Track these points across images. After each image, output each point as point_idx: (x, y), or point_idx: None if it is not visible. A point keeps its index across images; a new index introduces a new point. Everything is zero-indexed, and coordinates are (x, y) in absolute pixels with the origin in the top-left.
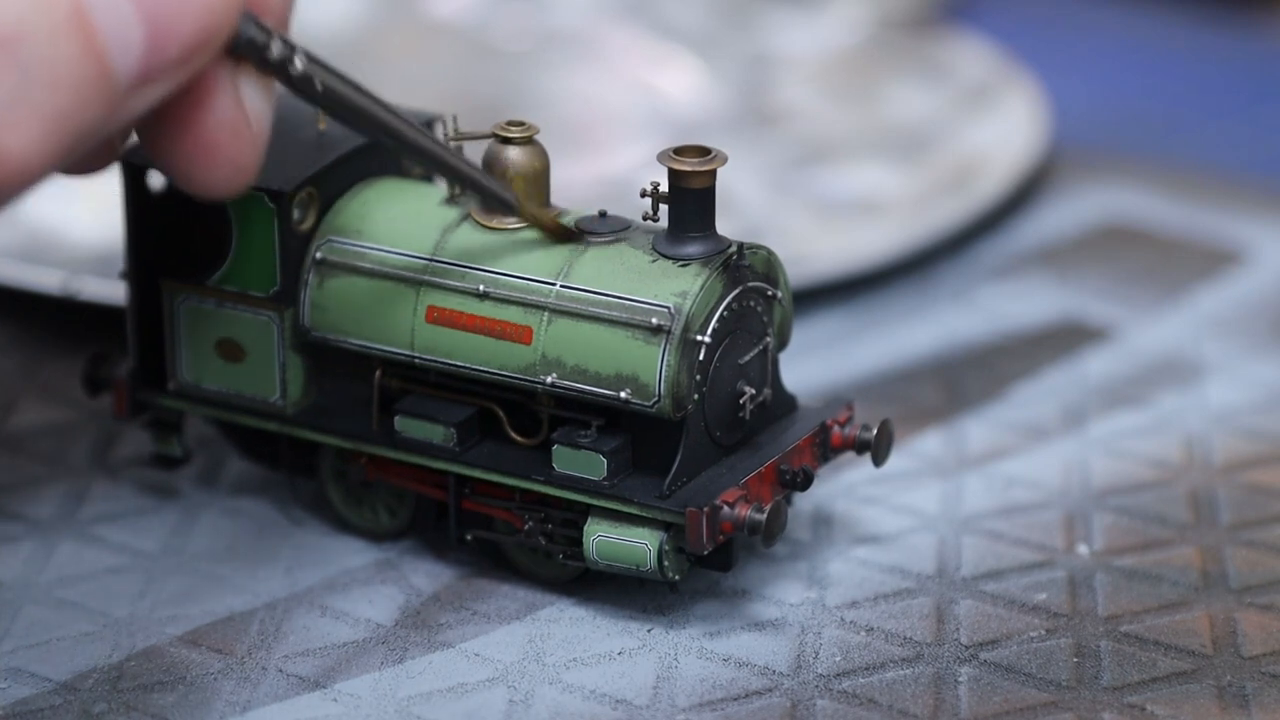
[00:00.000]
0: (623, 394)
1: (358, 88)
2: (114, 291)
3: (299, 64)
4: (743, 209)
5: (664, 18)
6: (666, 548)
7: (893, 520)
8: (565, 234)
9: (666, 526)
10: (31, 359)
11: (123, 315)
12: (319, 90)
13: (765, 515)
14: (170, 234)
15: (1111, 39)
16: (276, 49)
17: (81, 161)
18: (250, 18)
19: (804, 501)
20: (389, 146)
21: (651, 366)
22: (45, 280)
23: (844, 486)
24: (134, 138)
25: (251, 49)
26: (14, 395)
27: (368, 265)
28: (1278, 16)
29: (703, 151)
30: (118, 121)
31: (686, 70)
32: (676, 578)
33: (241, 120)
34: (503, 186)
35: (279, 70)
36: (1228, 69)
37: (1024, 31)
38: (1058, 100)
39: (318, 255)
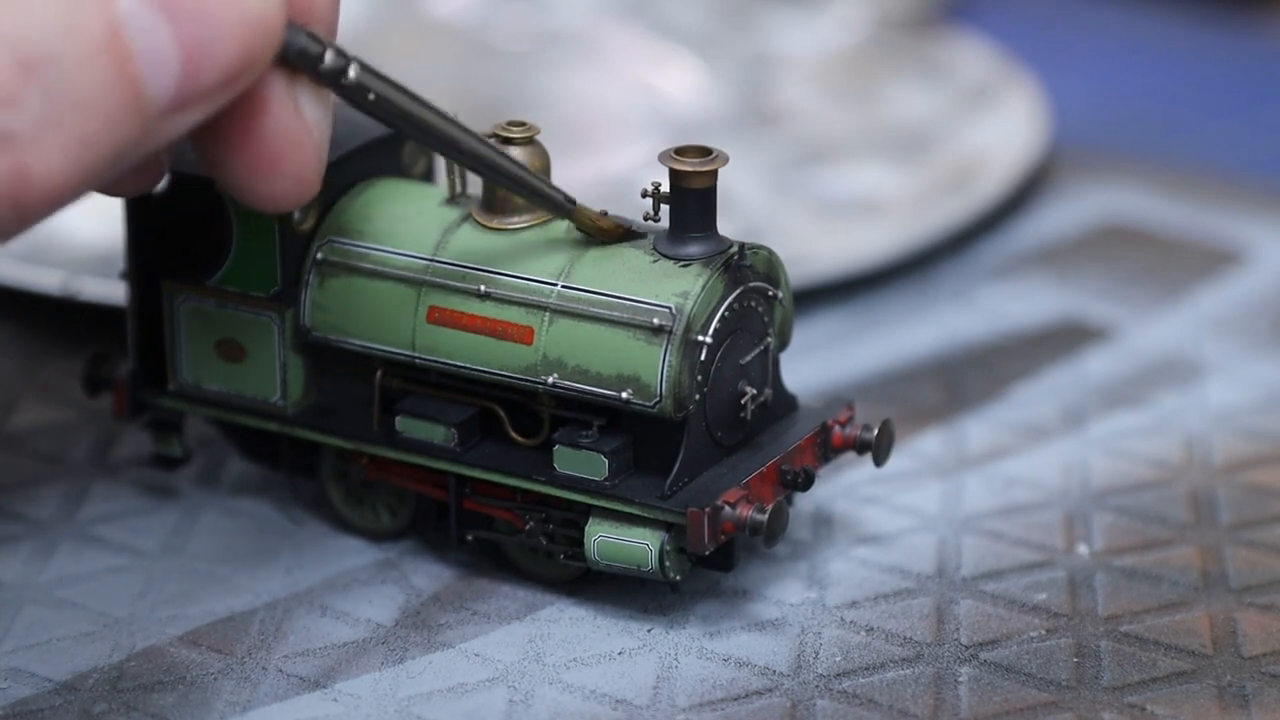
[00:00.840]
0: (624, 394)
1: (414, 97)
2: (114, 291)
3: (353, 73)
4: (743, 209)
5: (664, 18)
6: (668, 548)
7: (893, 520)
8: (625, 234)
9: (668, 527)
10: (31, 359)
11: (123, 315)
12: (371, 100)
13: (767, 515)
14: (170, 234)
15: (1111, 39)
16: (330, 59)
17: (128, 181)
18: (300, 29)
19: (804, 501)
20: (448, 156)
21: (653, 367)
22: (45, 280)
23: (844, 486)
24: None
25: (305, 60)
26: (14, 395)
27: (369, 265)
28: (1278, 16)
29: (704, 152)
30: (154, 144)
31: (686, 70)
32: (678, 578)
33: (302, 131)
34: (560, 191)
35: (332, 80)
36: (1228, 69)
37: (1024, 31)
38: (1058, 100)
39: (319, 255)
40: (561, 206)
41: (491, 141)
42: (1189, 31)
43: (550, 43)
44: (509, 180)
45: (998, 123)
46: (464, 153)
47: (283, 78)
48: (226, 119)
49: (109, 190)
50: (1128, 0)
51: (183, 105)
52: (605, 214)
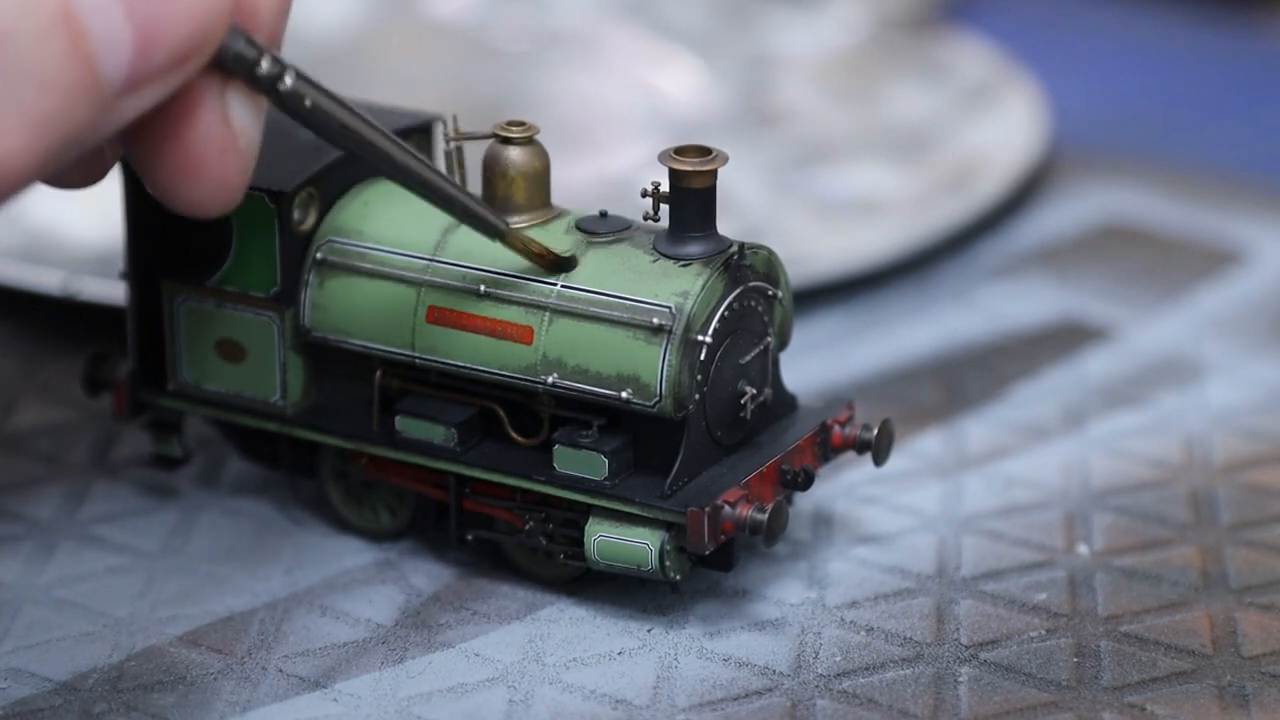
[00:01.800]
0: (624, 394)
1: (348, 108)
2: (114, 291)
3: (288, 81)
4: (742, 209)
5: (663, 18)
6: (668, 547)
7: (892, 520)
8: (558, 263)
9: (668, 526)
10: (31, 359)
11: (123, 315)
12: (307, 109)
13: (767, 515)
14: (170, 234)
15: (1111, 39)
16: (266, 65)
17: (74, 172)
18: (239, 33)
19: (804, 501)
20: (379, 170)
21: (653, 366)
22: (45, 280)
23: (843, 486)
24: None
25: (240, 64)
26: (14, 395)
27: (368, 266)
28: (1278, 16)
29: (704, 151)
30: (106, 127)
31: (686, 70)
32: (678, 578)
33: (229, 137)
34: (494, 213)
35: (267, 87)
36: (1228, 69)
37: (1024, 31)
38: (1058, 100)
39: (318, 255)
40: (495, 229)
41: (427, 160)
42: (1189, 31)
43: (550, 43)
44: (444, 201)
45: (997, 123)
46: (399, 169)
47: (215, 81)
48: (155, 119)
49: (57, 180)
50: (1128, 0)
51: (135, 86)
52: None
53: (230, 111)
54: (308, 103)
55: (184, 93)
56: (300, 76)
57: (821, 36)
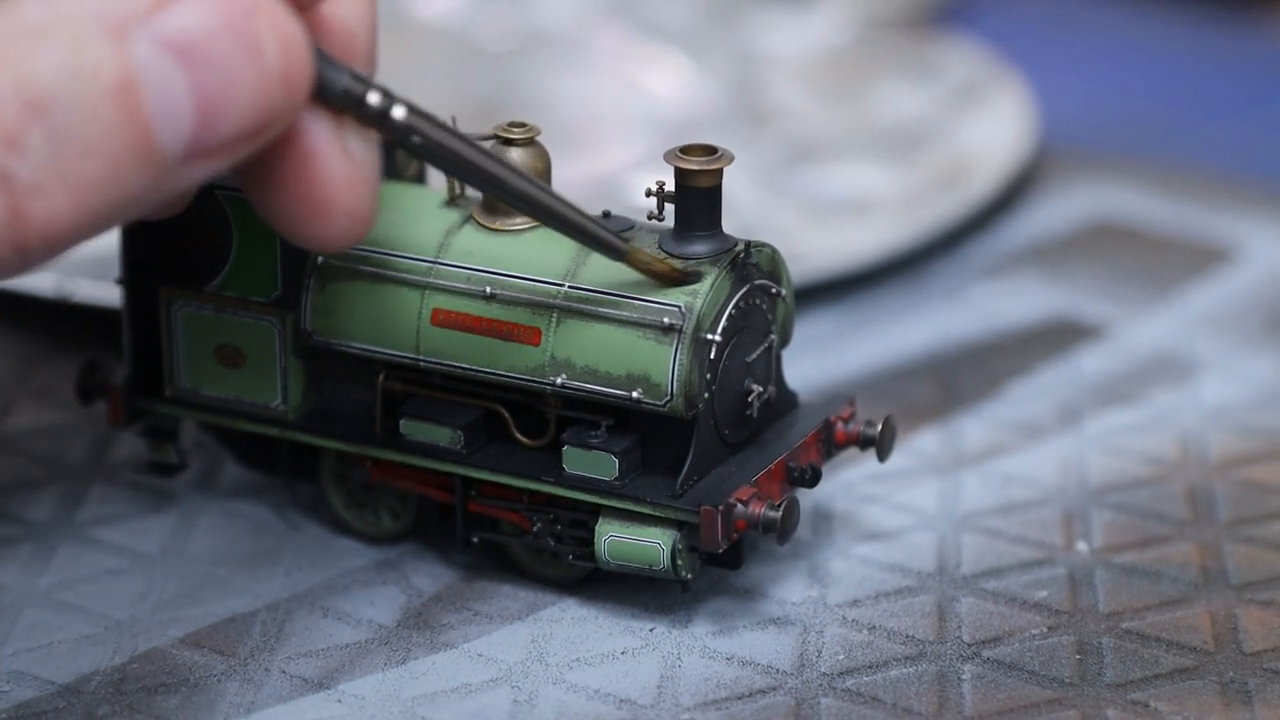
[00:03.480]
0: (634, 394)
1: (459, 136)
2: (108, 294)
3: (398, 114)
4: (734, 208)
5: (651, 17)
6: (679, 546)
7: (892, 518)
8: (680, 278)
9: (679, 525)
10: (26, 362)
11: (117, 317)
12: (418, 142)
13: (780, 512)
14: (167, 240)
15: (1110, 39)
16: (375, 99)
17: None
18: (344, 69)
19: (803, 500)
20: (497, 198)
21: (663, 366)
22: (39, 283)
23: (842, 485)
24: None
25: (348, 101)
26: (9, 398)
27: (370, 269)
28: (1277, 16)
29: (709, 150)
30: (172, 190)
31: (675, 70)
32: (689, 576)
33: (353, 171)
34: (615, 235)
35: (378, 120)
36: (1226, 69)
37: (1021, 32)
38: (1053, 99)
39: (319, 260)
40: (615, 248)
41: (541, 184)
42: (1187, 31)
43: (537, 43)
44: (558, 221)
45: (987, 122)
46: (512, 193)
47: (328, 120)
48: (275, 165)
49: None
50: (1127, 0)
51: (200, 155)
52: (627, 226)
53: (349, 146)
54: (417, 138)
55: (299, 137)
56: (412, 109)
57: (810, 36)
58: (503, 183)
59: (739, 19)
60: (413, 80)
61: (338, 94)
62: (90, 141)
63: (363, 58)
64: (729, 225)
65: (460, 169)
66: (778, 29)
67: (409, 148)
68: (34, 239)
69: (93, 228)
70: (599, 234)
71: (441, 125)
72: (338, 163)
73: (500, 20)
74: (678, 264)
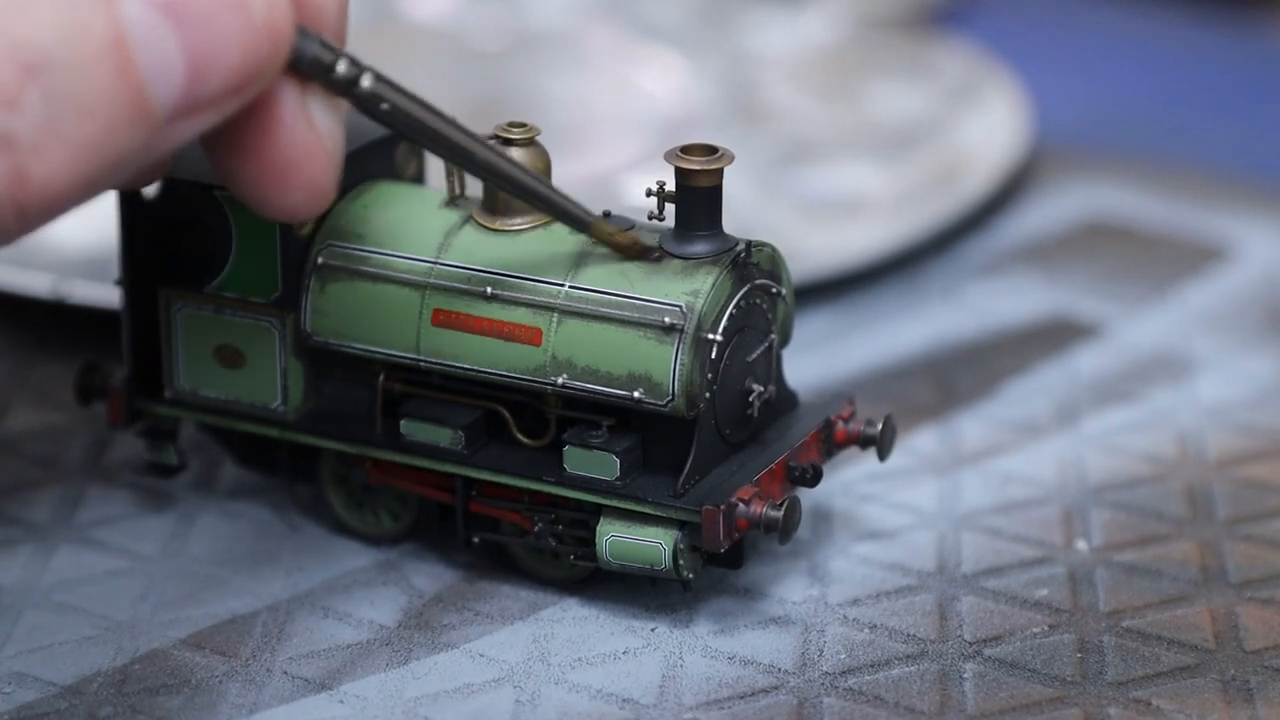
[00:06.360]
0: (636, 394)
1: (427, 107)
2: (104, 295)
3: (366, 82)
4: (729, 207)
5: (644, 17)
6: (681, 546)
7: (892, 517)
8: (641, 252)
9: (681, 525)
10: (23, 363)
11: (114, 318)
12: (386, 110)
13: (782, 512)
14: (167, 241)
15: (1105, 38)
16: (343, 67)
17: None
18: (313, 36)
19: (803, 499)
20: (463, 168)
21: (665, 366)
22: (35, 284)
23: (841, 484)
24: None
25: (317, 68)
26: (7, 399)
27: (370, 269)
28: (1274, 16)
29: (709, 150)
30: (161, 149)
31: (670, 69)
32: (691, 576)
33: (315, 141)
34: (580, 206)
35: (345, 89)
36: (1225, 69)
37: (1016, 31)
38: (1049, 99)
39: (319, 260)
40: (579, 219)
41: (510, 156)
42: (1183, 30)
43: (531, 44)
44: (525, 192)
45: (983, 121)
46: (479, 165)
47: (294, 87)
48: (238, 130)
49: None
50: (1125, 0)
51: (189, 111)
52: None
53: (313, 115)
54: (385, 105)
55: (265, 102)
56: (379, 78)
57: (805, 35)
58: (470, 154)
59: (733, 18)
60: (407, 81)
61: (307, 60)
62: (86, 100)
63: (332, 29)
64: (725, 225)
65: (428, 138)
66: (772, 28)
67: (378, 116)
68: (34, 200)
69: (88, 189)
70: (563, 205)
71: (409, 95)
72: (301, 131)
73: (494, 21)
74: (640, 239)
